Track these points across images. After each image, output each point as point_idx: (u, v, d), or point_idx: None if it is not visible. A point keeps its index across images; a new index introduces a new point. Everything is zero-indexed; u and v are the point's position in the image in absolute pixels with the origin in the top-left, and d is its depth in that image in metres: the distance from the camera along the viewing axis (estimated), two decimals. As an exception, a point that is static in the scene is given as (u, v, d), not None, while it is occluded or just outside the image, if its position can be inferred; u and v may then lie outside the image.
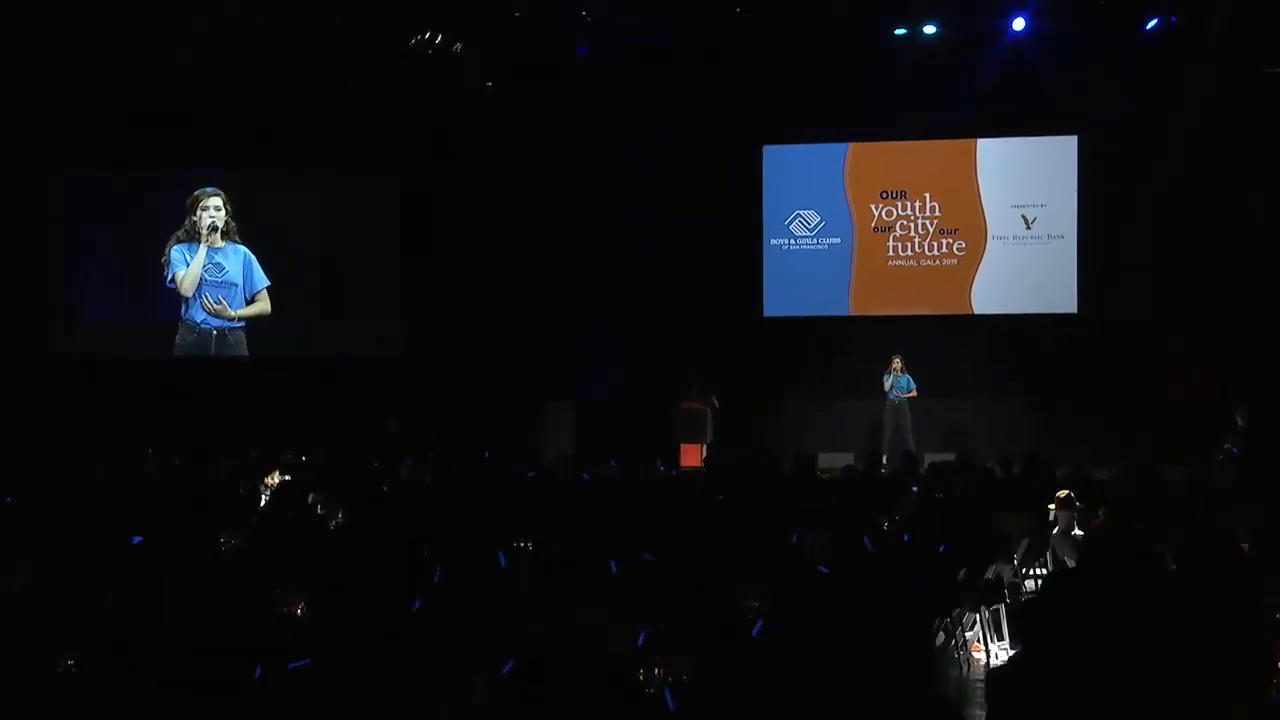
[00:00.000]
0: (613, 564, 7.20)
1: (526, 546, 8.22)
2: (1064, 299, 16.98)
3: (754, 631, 5.92)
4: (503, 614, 6.26)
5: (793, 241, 17.66)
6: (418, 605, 6.49)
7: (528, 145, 17.22)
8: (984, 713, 5.32)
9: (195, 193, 17.77)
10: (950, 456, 13.06)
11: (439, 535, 8.13)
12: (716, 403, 16.49)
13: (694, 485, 11.45)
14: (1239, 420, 14.18)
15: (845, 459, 14.63)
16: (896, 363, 16.56)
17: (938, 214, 17.31)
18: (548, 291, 17.42)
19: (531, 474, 12.04)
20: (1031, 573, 9.81)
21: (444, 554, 7.51)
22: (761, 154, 17.76)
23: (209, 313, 17.77)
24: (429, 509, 9.52)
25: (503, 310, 17.39)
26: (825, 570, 7.22)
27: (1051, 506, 9.60)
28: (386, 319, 17.61)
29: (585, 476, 11.63)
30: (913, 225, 17.37)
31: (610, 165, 17.26)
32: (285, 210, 17.70)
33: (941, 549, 7.95)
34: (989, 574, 8.18)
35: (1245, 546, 7.44)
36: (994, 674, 5.49)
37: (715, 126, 17.13)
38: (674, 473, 13.41)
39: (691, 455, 15.88)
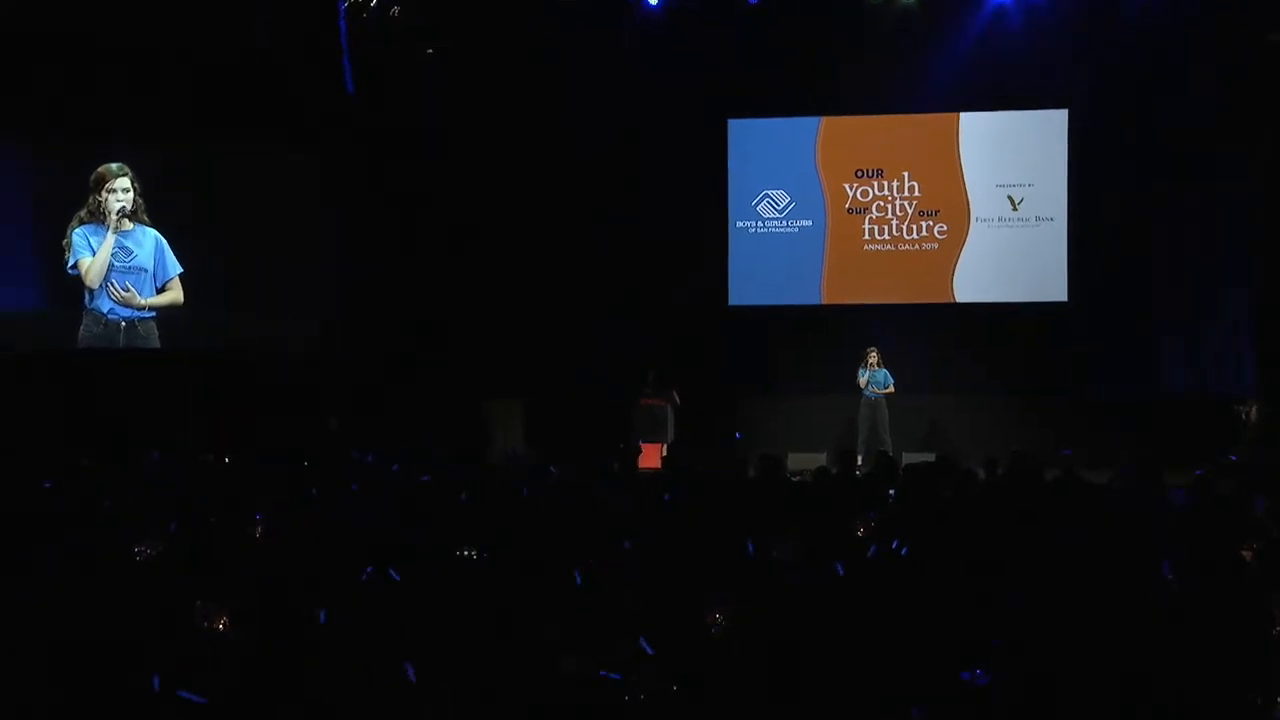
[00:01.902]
0: (576, 575, 7.22)
1: (471, 555, 8.21)
2: (1053, 286, 17.11)
3: (719, 646, 5.95)
4: (446, 630, 6.26)
5: (760, 224, 17.72)
6: (350, 617, 6.49)
7: (470, 121, 17.19)
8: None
9: (99, 170, 17.49)
10: (930, 457, 13.13)
11: (377, 543, 8.11)
12: (678, 399, 16.53)
13: (653, 488, 11.44)
14: (1245, 417, 14.33)
15: (817, 460, 14.68)
16: (872, 356, 16.65)
17: (917, 194, 17.41)
18: (494, 280, 17.40)
19: (475, 477, 12.00)
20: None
21: (381, 563, 7.50)
22: (726, 128, 17.79)
23: (116, 301, 17.58)
24: (367, 514, 9.50)
25: (445, 300, 17.34)
26: (795, 582, 7.25)
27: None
28: (314, 310, 17.51)
29: (534, 479, 11.61)
30: (890, 206, 17.46)
31: (560, 142, 17.25)
32: (201, 191, 17.53)
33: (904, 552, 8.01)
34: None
35: (1248, 555, 7.51)
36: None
37: (675, 98, 17.15)
38: (631, 475, 13.41)
39: (651, 456, 15.91)
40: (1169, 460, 11.86)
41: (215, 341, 17.47)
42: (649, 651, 5.96)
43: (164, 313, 17.67)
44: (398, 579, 7.27)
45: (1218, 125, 16.18)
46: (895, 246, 17.46)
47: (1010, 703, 5.30)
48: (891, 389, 16.63)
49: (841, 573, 7.39)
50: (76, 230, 17.50)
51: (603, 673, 5.52)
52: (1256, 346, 15.87)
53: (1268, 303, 15.92)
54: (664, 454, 15.96)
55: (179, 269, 17.62)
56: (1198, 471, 10.61)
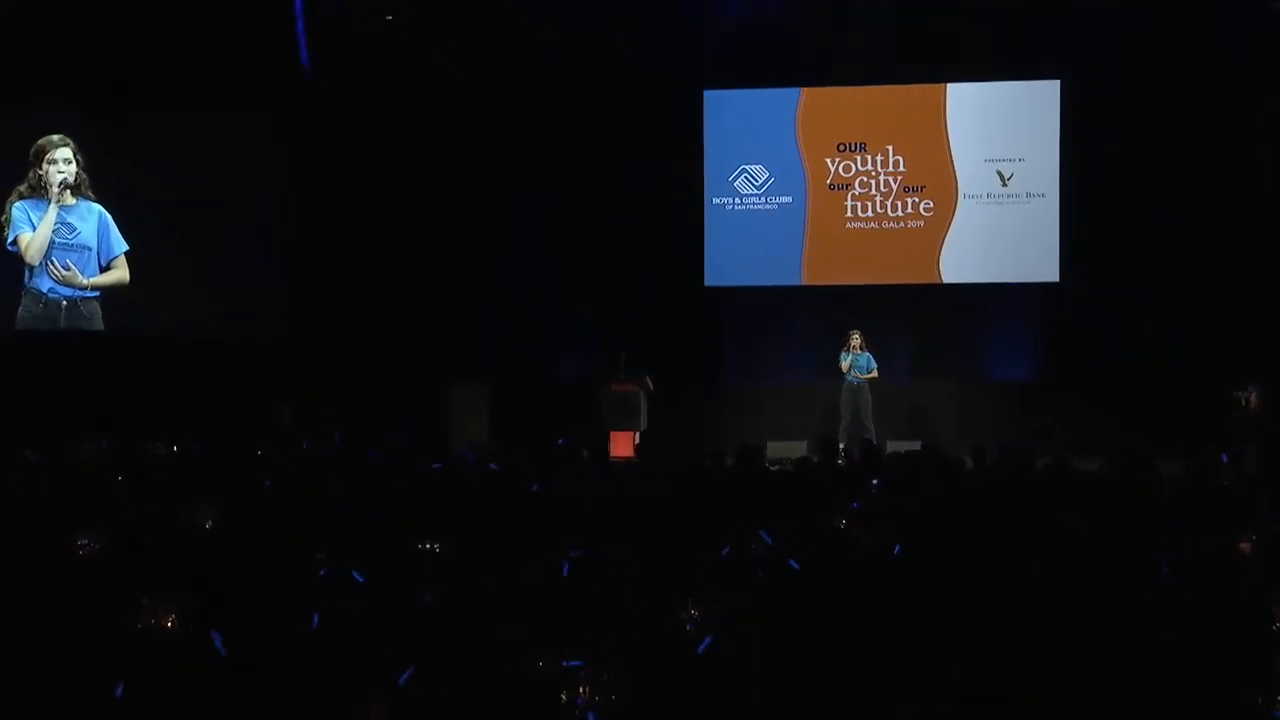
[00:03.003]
0: (544, 570, 7.24)
1: (434, 549, 8.21)
2: (1045, 266, 17.15)
3: (699, 649, 5.96)
4: (408, 628, 6.27)
5: (737, 201, 17.71)
6: (315, 621, 6.50)
7: (433, 91, 17.14)
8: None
9: (40, 142, 17.41)
10: (915, 445, 13.17)
11: (333, 539, 8.11)
12: (651, 384, 16.53)
13: (625, 478, 11.46)
14: (1245, 403, 14.40)
15: (797, 449, 14.74)
16: (855, 339, 16.65)
17: (902, 169, 17.42)
18: (456, 259, 17.34)
19: (437, 466, 12.01)
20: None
21: (338, 560, 7.50)
22: (702, 100, 17.78)
23: (57, 280, 17.49)
24: (322, 509, 9.50)
25: (404, 280, 17.28)
26: (774, 578, 7.28)
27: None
28: (267, 291, 17.47)
29: (492, 467, 11.62)
30: (874, 182, 17.48)
31: (527, 115, 17.21)
32: (146, 165, 17.42)
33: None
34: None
35: (1245, 548, 7.56)
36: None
37: (648, 68, 17.13)
38: (602, 464, 13.43)
39: (622, 444, 15.94)
40: (1164, 448, 11.92)
41: (162, 323, 17.39)
42: (621, 651, 5.97)
43: (108, 293, 17.60)
44: (357, 575, 7.27)
45: (1218, 96, 16.20)
46: (879, 224, 17.47)
47: (1002, 704, 5.33)
48: (875, 374, 16.64)
49: (823, 567, 7.41)
50: (16, 204, 17.42)
51: (566, 663, 5.54)
52: (1257, 330, 15.89)
53: (1269, 285, 15.95)
54: (636, 442, 15.98)
55: (124, 246, 17.54)
56: (1194, 460, 10.66)
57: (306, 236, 17.53)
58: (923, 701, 5.37)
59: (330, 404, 16.30)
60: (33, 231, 17.36)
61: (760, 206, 17.68)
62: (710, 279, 17.76)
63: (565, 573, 7.48)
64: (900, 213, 17.41)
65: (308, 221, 17.51)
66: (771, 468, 12.49)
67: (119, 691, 5.46)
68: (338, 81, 17.17)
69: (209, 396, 16.40)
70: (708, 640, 5.99)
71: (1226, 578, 6.94)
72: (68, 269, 17.47)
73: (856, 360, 16.60)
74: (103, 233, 17.54)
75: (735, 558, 7.77)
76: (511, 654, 5.68)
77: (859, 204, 17.50)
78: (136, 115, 17.37)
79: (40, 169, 17.38)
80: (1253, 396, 14.64)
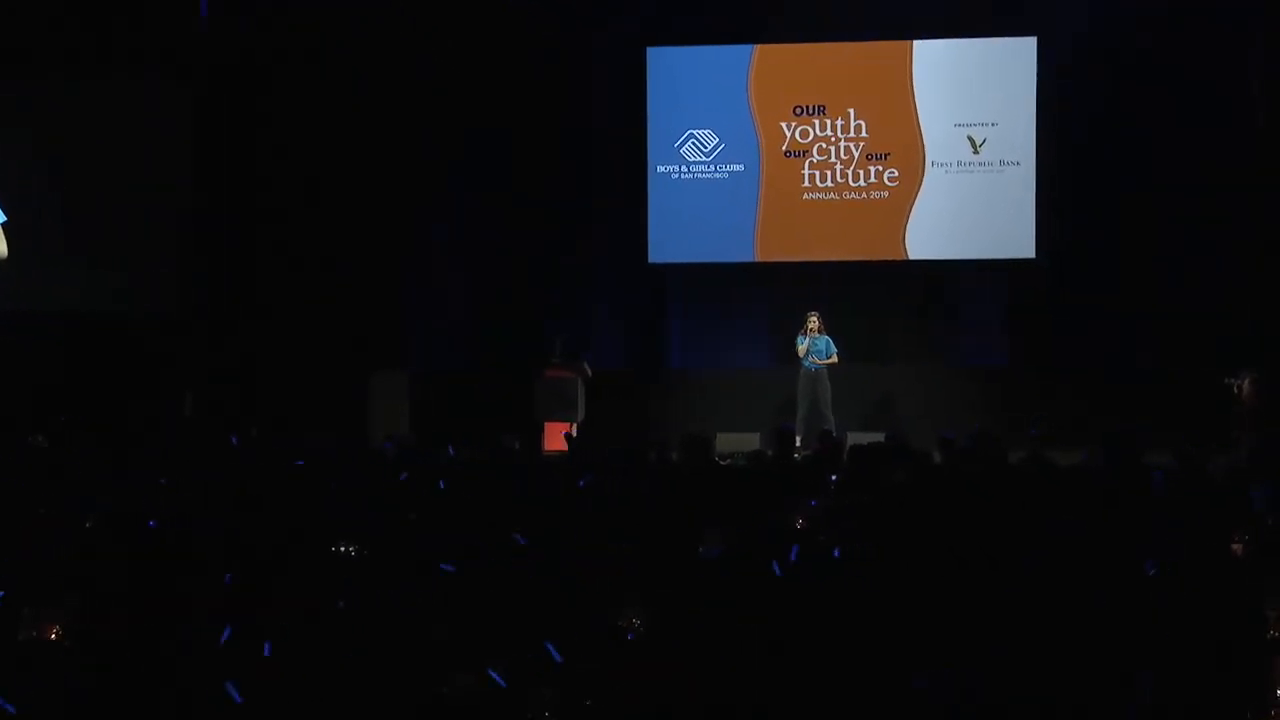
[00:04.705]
0: (472, 572, 7.23)
1: (349, 552, 8.18)
2: (1019, 241, 17.22)
3: (630, 651, 5.98)
4: (321, 638, 6.25)
5: (684, 169, 17.71)
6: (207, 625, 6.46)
7: (349, 45, 17.00)
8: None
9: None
10: (879, 437, 13.21)
11: (236, 542, 8.08)
12: (589, 370, 16.50)
13: (560, 474, 11.45)
14: (1238, 391, 14.50)
15: (750, 441, 14.74)
16: (813, 321, 16.66)
17: (864, 135, 17.46)
18: (374, 233, 17.23)
19: (353, 460, 11.98)
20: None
21: (241, 565, 7.47)
22: (645, 58, 17.75)
23: (-76, 253, 17.33)
24: (226, 507, 9.45)
25: (317, 256, 17.17)
26: (723, 581, 7.28)
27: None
28: (165, 268, 17.31)
29: (422, 463, 11.61)
30: (833, 149, 17.51)
31: (453, 74, 17.13)
32: (28, 128, 17.26)
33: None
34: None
35: (1238, 548, 7.61)
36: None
37: (585, 22, 17.10)
38: (535, 458, 13.43)
39: (557, 436, 15.90)
40: (1150, 440, 12.00)
41: (45, 302, 17.21)
42: (556, 659, 5.97)
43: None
44: (262, 579, 7.24)
45: (1209, 54, 16.26)
46: (839, 195, 17.50)
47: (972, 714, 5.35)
48: (835, 359, 16.66)
49: (778, 571, 7.42)
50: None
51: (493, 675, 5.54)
52: (1252, 312, 15.98)
53: (1266, 262, 16.03)
54: (573, 434, 15.96)
55: (2, 217, 17.35)
56: (1183, 452, 10.72)
57: (211, 206, 17.33)
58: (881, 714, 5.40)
59: (239, 391, 16.21)
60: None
61: (709, 175, 17.68)
62: (654, 255, 17.75)
63: (493, 576, 7.46)
64: (862, 182, 17.45)
65: (213, 192, 17.32)
66: (722, 462, 12.49)
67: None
68: (243, 34, 16.99)
69: (99, 382, 16.24)
70: (649, 643, 6.01)
71: (1218, 580, 6.99)
72: (-63, 242, 17.28)
73: (814, 344, 16.61)
74: (-23, 202, 17.35)
75: (680, 560, 7.77)
76: (431, 663, 5.66)
77: (817, 173, 17.53)
78: (14, 75, 17.16)
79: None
80: (1245, 384, 14.73)
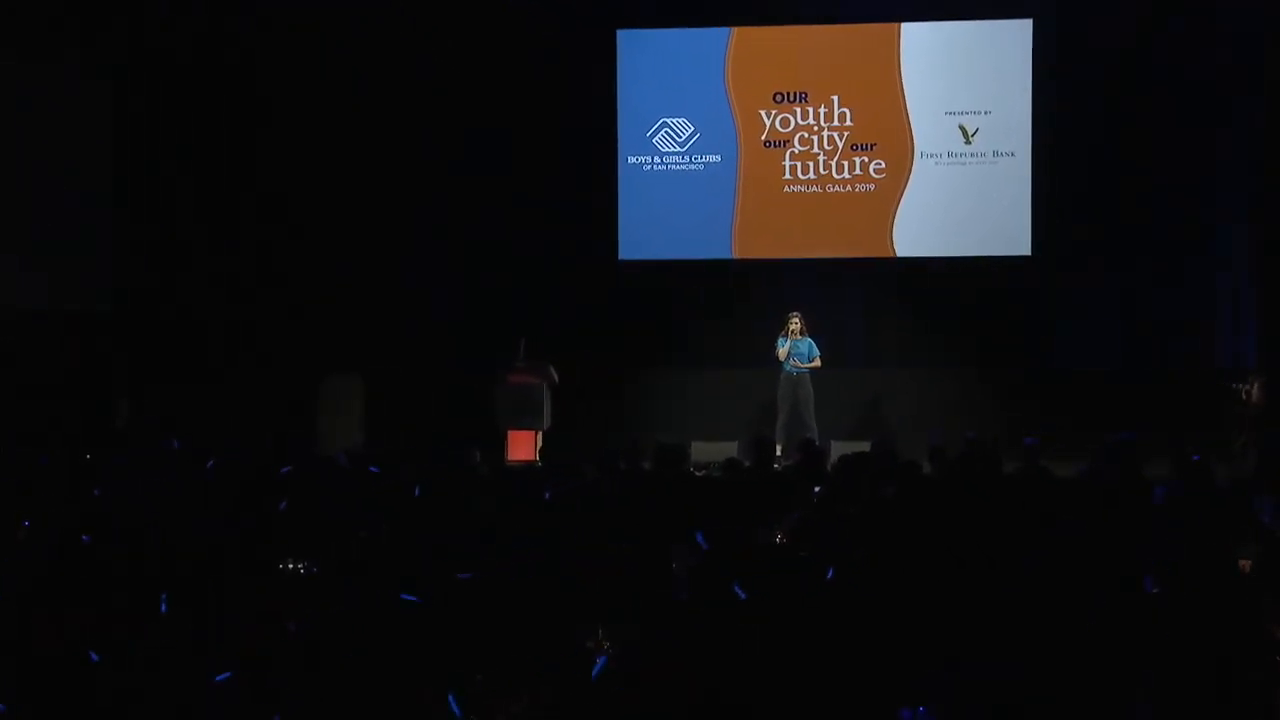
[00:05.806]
0: (427, 593, 7.19)
1: (298, 569, 8.16)
2: (1013, 237, 17.27)
3: (593, 673, 5.96)
4: (266, 661, 6.21)
5: (657, 160, 17.72)
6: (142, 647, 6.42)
7: (292, 24, 16.96)
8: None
9: None
10: (864, 445, 13.22)
11: (176, 555, 8.03)
12: (555, 375, 16.48)
13: (524, 485, 11.43)
14: (1246, 395, 14.53)
15: (727, 450, 14.74)
16: (795, 322, 16.67)
17: (849, 123, 17.49)
18: (325, 229, 17.21)
19: (304, 472, 11.93)
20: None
21: (179, 581, 7.42)
22: (615, 41, 17.75)
23: None
24: (164, 518, 9.41)
25: (264, 252, 17.13)
26: (698, 601, 7.27)
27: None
28: (101, 264, 17.23)
29: (373, 470, 11.58)
30: (816, 139, 17.53)
31: (407, 57, 17.11)
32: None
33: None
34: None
35: (1245, 565, 7.62)
36: None
37: (550, 3, 17.09)
38: (497, 468, 13.40)
39: (522, 445, 15.89)
40: (1152, 448, 12.02)
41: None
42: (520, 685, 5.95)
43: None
44: (200, 600, 7.19)
45: (1215, 40, 16.32)
46: (822, 188, 17.53)
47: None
48: (817, 362, 16.67)
49: (756, 590, 7.40)
50: None
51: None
52: (1260, 311, 16.02)
53: (1275, 260, 16.07)
54: (538, 443, 15.94)
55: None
56: (1185, 464, 10.74)
57: (153, 200, 17.25)
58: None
59: (177, 397, 16.15)
60: None
61: (683, 167, 17.69)
62: (625, 252, 17.78)
63: (454, 597, 7.44)
64: (847, 175, 17.48)
65: (154, 182, 17.24)
66: (697, 472, 12.49)
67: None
68: (175, 14, 16.91)
69: (25, 387, 16.15)
70: (618, 668, 5.99)
71: (1223, 596, 6.98)
72: None
73: (796, 347, 16.62)
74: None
75: (653, 578, 7.76)
76: (388, 691, 5.64)
77: (799, 164, 17.55)
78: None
79: None
80: (1255, 388, 14.78)
